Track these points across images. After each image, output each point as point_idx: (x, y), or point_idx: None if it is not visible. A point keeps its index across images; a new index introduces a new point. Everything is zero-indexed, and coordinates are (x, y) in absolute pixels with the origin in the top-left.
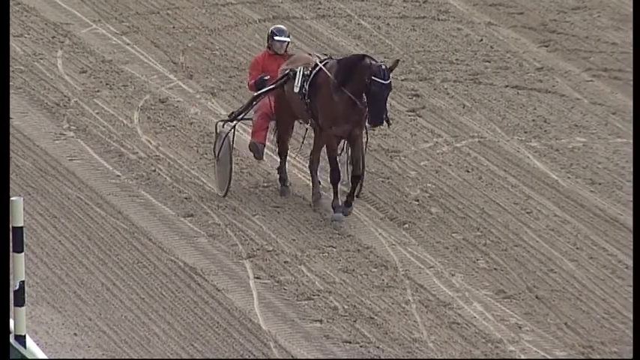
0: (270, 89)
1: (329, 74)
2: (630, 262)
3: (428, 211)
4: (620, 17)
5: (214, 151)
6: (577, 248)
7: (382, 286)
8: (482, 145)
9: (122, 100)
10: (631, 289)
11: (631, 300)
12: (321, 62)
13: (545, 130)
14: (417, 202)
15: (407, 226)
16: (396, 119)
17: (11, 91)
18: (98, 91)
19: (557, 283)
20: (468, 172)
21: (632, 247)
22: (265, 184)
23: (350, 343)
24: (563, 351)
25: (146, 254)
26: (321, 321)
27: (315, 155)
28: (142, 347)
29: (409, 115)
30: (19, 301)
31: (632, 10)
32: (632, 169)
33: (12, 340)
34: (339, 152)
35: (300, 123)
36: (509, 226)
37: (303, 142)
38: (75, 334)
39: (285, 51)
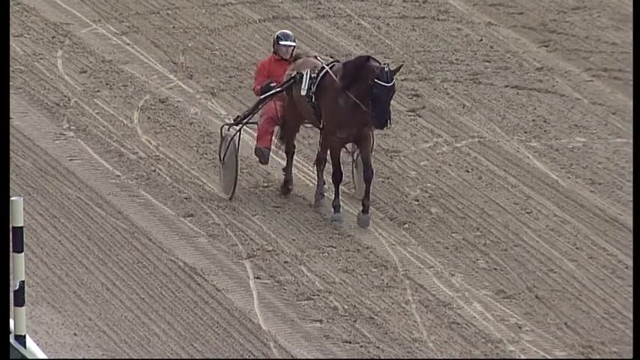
0: (276, 92)
1: (334, 78)
2: (630, 262)
3: (428, 211)
4: (620, 17)
5: (220, 155)
6: (577, 248)
7: (382, 286)
8: (482, 145)
9: (122, 100)
10: (631, 289)
11: (631, 300)
12: (327, 65)
13: (545, 130)
14: (416, 202)
15: (407, 226)
16: (396, 119)
17: (11, 91)
18: (98, 91)
19: (557, 283)
20: (468, 172)
21: (631, 247)
22: (265, 184)
23: (350, 343)
24: (563, 351)
25: (146, 254)
26: (321, 321)
27: (322, 154)
28: (142, 347)
29: (409, 115)
30: (19, 301)
31: (631, 10)
32: (632, 169)
33: (12, 340)
34: (347, 153)
35: (306, 127)
36: (509, 226)
37: (303, 143)
38: (75, 334)
39: (291, 56)
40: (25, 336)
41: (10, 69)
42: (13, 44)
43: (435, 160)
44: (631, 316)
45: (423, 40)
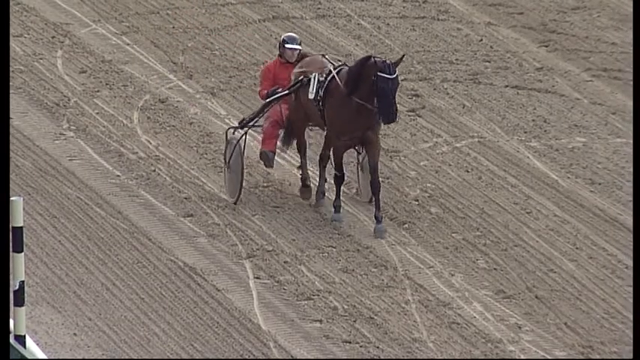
0: (283, 95)
1: (340, 83)
2: (630, 262)
3: (428, 211)
4: (619, 17)
5: (225, 159)
6: (577, 248)
7: (382, 286)
8: (482, 145)
9: (122, 100)
10: (631, 289)
11: (631, 300)
12: (335, 69)
13: (545, 130)
14: (416, 202)
15: (407, 226)
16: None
17: (11, 91)
18: (98, 91)
19: (557, 283)
20: (468, 172)
21: (631, 247)
22: (265, 184)
23: (350, 343)
24: (562, 351)
25: (146, 254)
26: (320, 321)
27: (325, 152)
28: (142, 347)
29: (409, 115)
30: (19, 301)
31: (631, 10)
32: (631, 169)
33: (12, 340)
34: (359, 158)
35: (311, 129)
36: (509, 226)
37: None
38: (75, 334)
39: (297, 59)
40: (24, 336)
41: (10, 69)
42: (13, 44)
43: (434, 160)
44: (631, 316)
45: (422, 40)
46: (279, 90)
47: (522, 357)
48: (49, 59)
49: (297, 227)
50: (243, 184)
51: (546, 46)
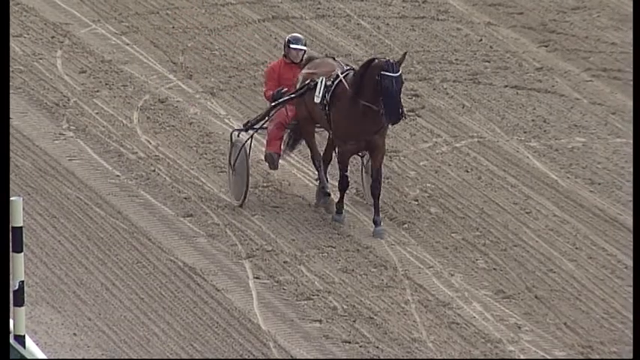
0: (289, 99)
1: (347, 86)
2: (629, 262)
3: (427, 211)
4: (619, 17)
5: (230, 161)
6: (576, 248)
7: (381, 286)
8: (482, 145)
9: (122, 100)
10: (630, 288)
11: (630, 300)
12: (342, 73)
13: (545, 130)
14: (416, 202)
15: (406, 226)
16: None
17: (11, 91)
18: (97, 91)
19: (557, 283)
20: (468, 172)
21: (631, 247)
22: (265, 184)
23: (349, 343)
24: (562, 351)
25: (145, 254)
26: (320, 321)
27: (327, 153)
28: (142, 347)
29: (408, 115)
30: (19, 301)
31: (631, 10)
32: (631, 169)
33: (11, 340)
34: (363, 160)
35: (317, 132)
36: (509, 226)
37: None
38: (74, 334)
39: (302, 60)
40: (24, 336)
41: (10, 69)
42: (13, 44)
43: (434, 160)
44: (630, 316)
45: (422, 40)
46: (284, 90)
47: (522, 357)
48: (49, 59)
49: (297, 227)
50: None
51: (546, 46)
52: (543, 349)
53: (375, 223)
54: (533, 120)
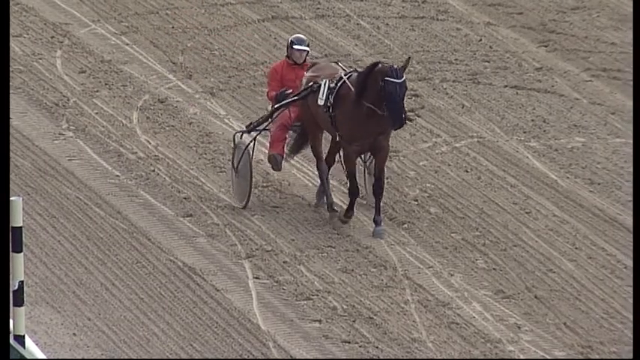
0: (292, 101)
1: (351, 87)
2: (629, 262)
3: (427, 211)
4: (619, 17)
5: (232, 163)
6: (576, 248)
7: (381, 286)
8: (482, 145)
9: (121, 100)
10: (630, 288)
11: (630, 300)
12: (345, 75)
13: (545, 130)
14: (416, 202)
15: (406, 226)
16: None
17: (10, 91)
18: (97, 91)
19: (557, 283)
20: (467, 172)
21: (631, 247)
22: (264, 184)
23: (349, 343)
24: (562, 351)
25: (145, 254)
26: (320, 321)
27: (330, 157)
28: (141, 347)
29: (412, 119)
30: (18, 301)
31: (631, 10)
32: (631, 169)
33: (11, 340)
34: (366, 162)
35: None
36: (509, 226)
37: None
38: (74, 334)
39: (304, 61)
40: (24, 336)
41: (9, 69)
42: (12, 44)
43: (434, 160)
44: (630, 316)
45: (422, 40)
46: (288, 92)
47: (522, 357)
48: (49, 59)
49: (297, 227)
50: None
51: (546, 46)
52: (543, 349)
53: (376, 222)
54: (532, 120)
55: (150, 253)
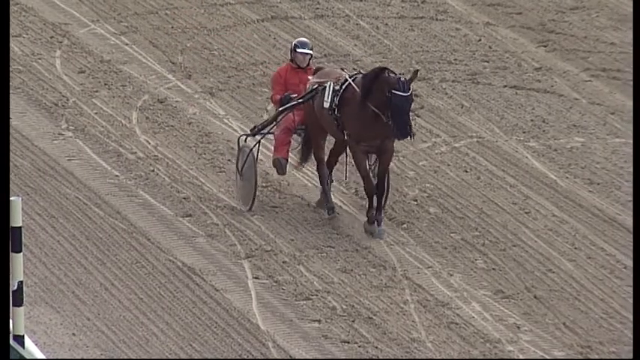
0: (297, 104)
1: (356, 89)
2: (628, 262)
3: (426, 211)
4: (618, 17)
5: (237, 166)
6: (575, 248)
7: (380, 286)
8: (481, 145)
9: (121, 100)
10: (629, 288)
11: (629, 300)
12: (350, 77)
13: (544, 130)
14: (415, 202)
15: (405, 226)
16: None
17: (9, 91)
18: (97, 91)
19: (556, 283)
20: (467, 172)
21: (630, 246)
22: (264, 184)
23: (348, 343)
24: (561, 351)
25: (144, 254)
26: (319, 321)
27: (332, 159)
28: (141, 347)
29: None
30: (18, 301)
31: (630, 9)
32: (630, 169)
33: (10, 340)
34: (370, 166)
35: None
36: (508, 226)
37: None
38: (73, 334)
39: (308, 64)
40: (23, 336)
41: (9, 69)
42: (12, 44)
43: (433, 160)
44: (629, 315)
45: (421, 40)
46: (293, 96)
47: (521, 357)
48: (48, 59)
49: (296, 227)
50: (235, 182)
51: (545, 46)
52: (542, 349)
53: (377, 222)
54: (532, 120)
55: (149, 253)
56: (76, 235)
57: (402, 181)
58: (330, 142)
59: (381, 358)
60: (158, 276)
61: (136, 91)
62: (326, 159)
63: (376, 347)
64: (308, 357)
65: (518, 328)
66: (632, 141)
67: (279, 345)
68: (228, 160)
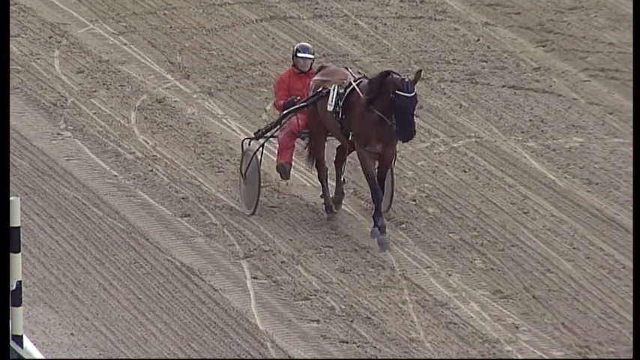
0: (301, 107)
1: (360, 94)
2: (627, 262)
3: (425, 211)
4: (617, 17)
5: (241, 170)
6: (574, 248)
7: (379, 286)
8: (479, 145)
9: (119, 100)
10: (628, 288)
11: (628, 300)
12: (355, 81)
13: (542, 130)
14: (414, 202)
15: (404, 226)
16: None
17: (9, 91)
18: (95, 91)
19: (554, 283)
20: (465, 172)
21: (629, 246)
22: (263, 185)
23: (347, 343)
24: (560, 351)
25: (143, 254)
26: (318, 321)
27: (337, 165)
28: (139, 347)
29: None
30: (16, 301)
31: (629, 9)
32: (629, 169)
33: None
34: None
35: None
36: (506, 226)
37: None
38: (72, 334)
39: (310, 68)
40: (22, 336)
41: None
42: (11, 44)
43: (432, 160)
44: (628, 315)
45: (420, 40)
46: (297, 100)
47: (519, 357)
48: (47, 59)
49: (295, 227)
50: (234, 182)
51: (543, 46)
52: (541, 349)
53: (379, 227)
54: (530, 120)
55: (148, 253)
56: (74, 235)
57: (400, 181)
58: (329, 142)
59: (379, 358)
60: (157, 276)
61: (135, 91)
62: (335, 156)
63: (375, 347)
64: (307, 357)
65: (517, 328)
66: (630, 141)
67: (278, 345)
68: (227, 160)
